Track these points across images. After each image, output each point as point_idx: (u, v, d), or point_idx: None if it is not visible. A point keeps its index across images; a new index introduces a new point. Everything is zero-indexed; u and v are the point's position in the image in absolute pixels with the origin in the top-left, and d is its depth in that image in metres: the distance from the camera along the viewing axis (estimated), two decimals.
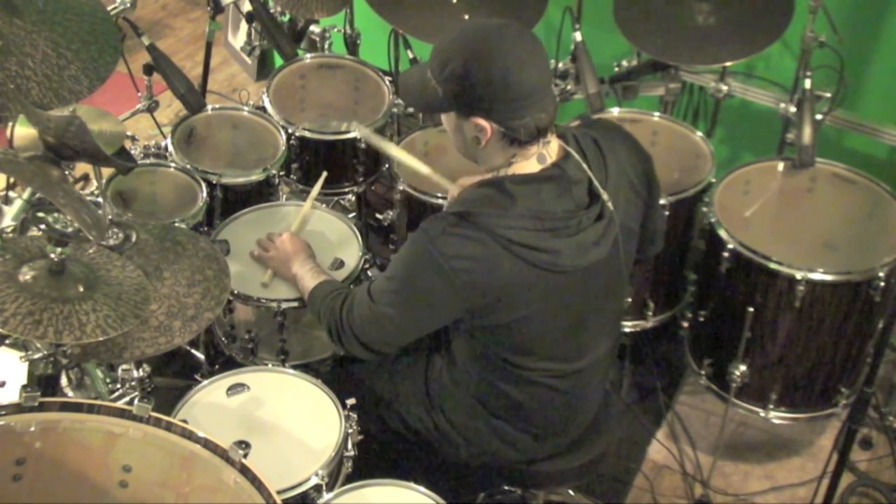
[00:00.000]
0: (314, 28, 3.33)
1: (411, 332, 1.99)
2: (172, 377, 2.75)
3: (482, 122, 1.80)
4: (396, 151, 2.35)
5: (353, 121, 2.69)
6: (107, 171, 2.45)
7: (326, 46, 3.33)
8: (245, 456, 1.64)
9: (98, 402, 1.66)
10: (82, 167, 2.24)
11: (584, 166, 1.85)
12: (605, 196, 1.85)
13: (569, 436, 2.14)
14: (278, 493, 1.63)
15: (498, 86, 1.75)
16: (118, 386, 2.29)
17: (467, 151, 1.91)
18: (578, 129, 1.95)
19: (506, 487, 2.48)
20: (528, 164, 1.85)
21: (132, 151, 2.57)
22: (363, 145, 2.81)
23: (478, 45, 1.77)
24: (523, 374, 1.99)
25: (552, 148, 1.86)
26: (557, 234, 1.82)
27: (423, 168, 2.24)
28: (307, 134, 2.79)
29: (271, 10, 3.00)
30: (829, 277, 2.39)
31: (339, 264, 2.39)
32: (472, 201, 1.85)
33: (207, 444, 1.65)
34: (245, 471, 1.63)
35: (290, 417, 2.04)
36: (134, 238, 1.93)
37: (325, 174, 2.63)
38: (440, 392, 2.12)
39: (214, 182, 2.58)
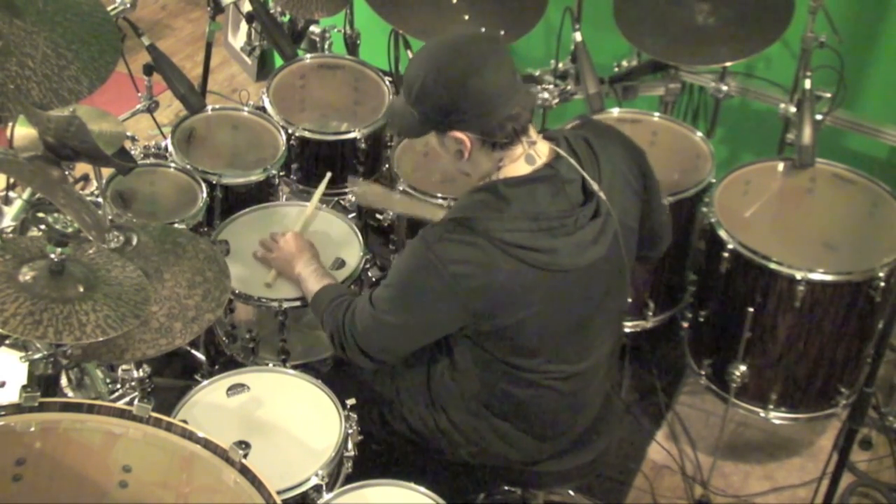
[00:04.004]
0: (314, 28, 3.33)
1: (413, 341, 1.99)
2: (172, 377, 2.75)
3: (458, 134, 1.82)
4: (400, 204, 2.41)
5: (356, 186, 2.73)
6: (107, 171, 2.45)
7: (326, 46, 3.33)
8: (245, 456, 1.64)
9: (98, 402, 1.66)
10: (82, 167, 2.24)
11: (576, 165, 1.85)
12: (598, 190, 1.85)
13: (570, 436, 2.14)
14: (278, 493, 1.64)
15: (460, 95, 1.77)
16: (118, 386, 2.29)
17: (456, 167, 1.92)
18: (570, 132, 1.96)
19: (506, 487, 2.48)
20: (518, 165, 1.86)
21: (132, 151, 2.57)
22: (363, 145, 2.81)
23: (433, 60, 1.80)
24: (525, 375, 1.99)
25: (541, 149, 1.87)
26: (554, 233, 1.83)
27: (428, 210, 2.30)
28: (307, 134, 2.79)
29: (271, 11, 3.00)
30: (829, 277, 2.39)
31: (340, 264, 2.39)
32: (468, 207, 1.86)
33: (207, 445, 1.65)
34: (245, 471, 1.63)
35: (290, 417, 2.04)
36: (134, 241, 1.93)
37: (328, 175, 2.63)
38: (442, 392, 2.12)
39: (214, 182, 2.58)
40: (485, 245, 1.81)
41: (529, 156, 1.85)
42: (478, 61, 1.77)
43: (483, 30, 2.67)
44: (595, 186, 1.85)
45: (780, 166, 2.71)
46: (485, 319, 1.89)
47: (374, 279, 2.67)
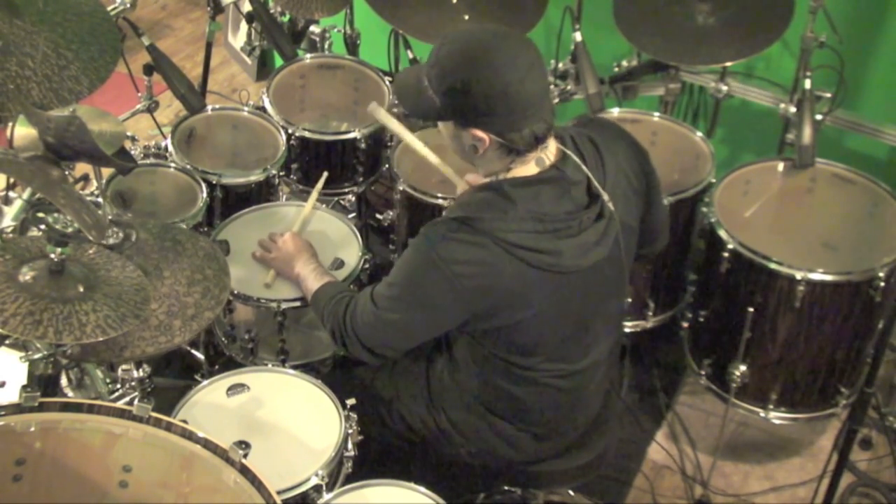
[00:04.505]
0: (314, 28, 3.33)
1: (415, 337, 1.99)
2: (172, 377, 2.75)
3: (480, 133, 1.81)
4: (410, 138, 2.32)
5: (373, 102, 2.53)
6: (107, 171, 2.45)
7: (326, 46, 3.33)
8: (245, 456, 1.64)
9: (98, 402, 1.66)
10: (82, 167, 2.24)
11: (583, 167, 1.85)
12: (604, 195, 1.85)
13: (569, 435, 2.14)
14: (278, 493, 1.64)
15: (497, 100, 1.75)
16: (118, 386, 2.30)
17: (465, 157, 1.91)
18: (575, 130, 1.96)
19: (506, 487, 2.48)
20: (527, 167, 1.85)
21: (132, 151, 2.57)
22: (363, 145, 2.81)
23: (477, 58, 1.76)
24: (526, 374, 1.99)
25: (550, 150, 1.86)
26: (559, 235, 1.83)
27: (432, 158, 2.22)
28: (307, 134, 2.79)
29: (271, 10, 3.00)
30: (829, 277, 2.39)
31: (340, 264, 2.39)
32: (472, 206, 1.85)
33: (207, 445, 1.65)
34: (245, 471, 1.63)
35: (290, 417, 2.04)
36: (133, 237, 1.93)
37: (325, 174, 2.63)
38: (441, 391, 2.12)
39: (214, 182, 2.58)
40: (489, 245, 1.81)
41: (539, 158, 1.85)
42: (522, 69, 1.75)
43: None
44: (601, 190, 1.85)
45: (780, 166, 2.71)
46: (486, 319, 1.89)
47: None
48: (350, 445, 2.00)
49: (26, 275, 1.62)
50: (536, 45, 1.81)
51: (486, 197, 1.85)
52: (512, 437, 2.09)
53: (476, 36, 1.81)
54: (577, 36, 2.80)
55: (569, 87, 2.92)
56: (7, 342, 1.92)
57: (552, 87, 2.90)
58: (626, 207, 1.94)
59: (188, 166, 2.58)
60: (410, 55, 2.94)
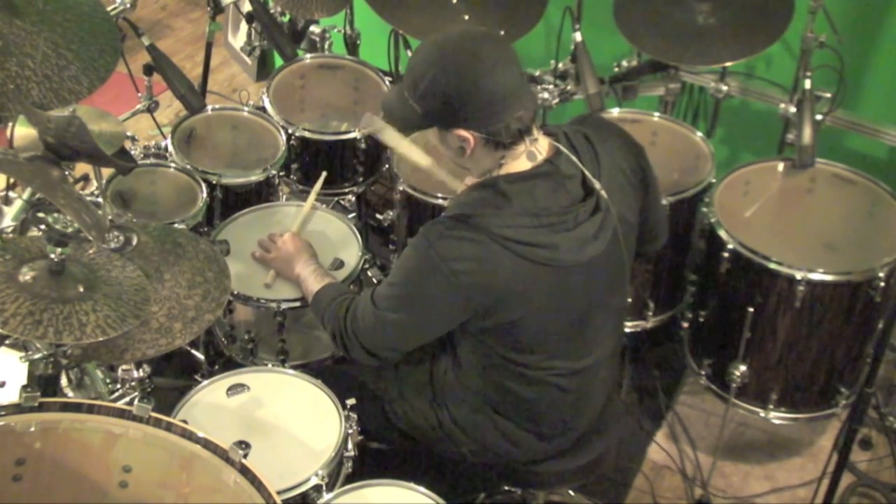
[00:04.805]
0: (314, 28, 3.33)
1: (416, 338, 2.00)
2: (172, 377, 2.75)
3: (463, 132, 1.82)
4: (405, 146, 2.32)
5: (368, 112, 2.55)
6: (107, 172, 2.45)
7: (326, 46, 3.33)
8: (245, 456, 1.64)
9: (98, 402, 1.67)
10: (82, 167, 2.24)
11: (575, 160, 1.86)
12: (597, 184, 1.86)
13: (572, 435, 2.14)
14: (278, 493, 1.64)
15: (470, 95, 1.77)
16: (118, 386, 2.29)
17: (457, 162, 1.92)
18: (569, 127, 1.97)
19: (506, 487, 2.48)
20: (519, 162, 1.86)
21: (132, 151, 2.57)
22: (363, 145, 2.81)
23: (444, 58, 1.79)
24: (529, 372, 1.99)
25: (542, 145, 1.87)
26: (555, 229, 1.83)
27: (425, 161, 2.22)
28: (307, 134, 2.79)
29: (271, 11, 3.00)
30: (829, 277, 2.39)
31: (339, 264, 2.39)
32: (468, 204, 1.86)
33: (207, 445, 1.65)
34: (245, 471, 1.63)
35: (290, 417, 2.05)
36: (134, 241, 1.93)
37: (324, 174, 2.63)
38: (445, 389, 2.12)
39: (214, 182, 2.58)
40: (486, 241, 1.81)
41: (531, 153, 1.85)
42: (490, 62, 1.77)
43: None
44: (595, 182, 1.86)
45: (780, 166, 2.71)
46: (487, 315, 1.89)
47: (374, 280, 2.67)
48: (350, 445, 2.00)
49: (26, 275, 1.62)
50: (506, 41, 1.83)
51: (481, 194, 1.86)
52: (515, 436, 2.09)
53: (441, 40, 1.84)
54: (577, 36, 2.80)
55: (569, 87, 2.91)
56: (7, 342, 1.92)
57: (552, 86, 2.90)
58: (624, 202, 1.94)
59: (188, 166, 2.58)
60: (410, 55, 2.94)
